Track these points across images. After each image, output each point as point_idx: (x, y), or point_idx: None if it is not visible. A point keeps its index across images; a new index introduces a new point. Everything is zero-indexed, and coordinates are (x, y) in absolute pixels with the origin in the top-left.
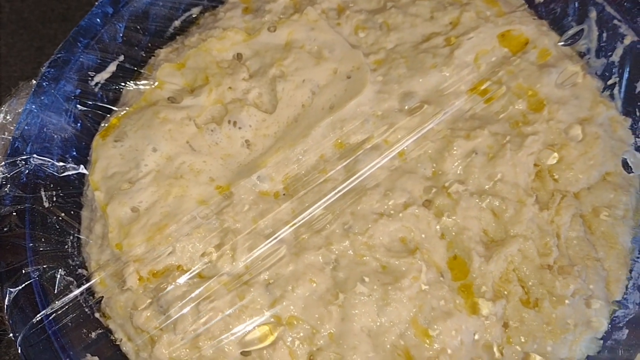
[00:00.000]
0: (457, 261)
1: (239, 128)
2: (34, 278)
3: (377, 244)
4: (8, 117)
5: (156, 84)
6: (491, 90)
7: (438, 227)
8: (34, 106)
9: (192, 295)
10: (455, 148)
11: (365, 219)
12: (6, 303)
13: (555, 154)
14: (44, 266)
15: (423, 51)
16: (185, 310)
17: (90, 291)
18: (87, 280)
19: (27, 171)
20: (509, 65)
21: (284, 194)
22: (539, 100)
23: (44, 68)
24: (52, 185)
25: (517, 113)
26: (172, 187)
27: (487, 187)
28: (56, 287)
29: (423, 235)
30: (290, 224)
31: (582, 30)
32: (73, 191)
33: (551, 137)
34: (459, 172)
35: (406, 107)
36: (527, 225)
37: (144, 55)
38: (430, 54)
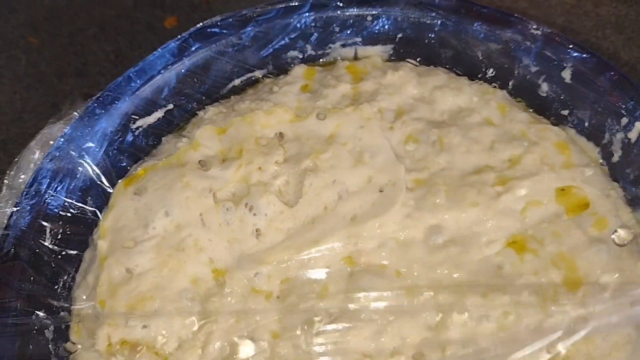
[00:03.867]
0: None
1: (254, 214)
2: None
3: None
4: (39, 145)
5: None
6: (529, 249)
7: None
8: (65, 139)
9: None
10: (468, 306)
11: (346, 356)
12: None
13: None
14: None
15: (469, 184)
16: None
17: (65, 337)
18: (67, 326)
19: (40, 204)
20: (558, 227)
21: (277, 297)
22: (576, 279)
23: (90, 102)
24: (60, 222)
25: (549, 285)
26: (171, 258)
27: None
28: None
29: None
30: (272, 332)
31: None
32: (84, 229)
33: (577, 325)
34: (463, 335)
35: (431, 242)
36: None
37: (195, 106)
38: (476, 189)
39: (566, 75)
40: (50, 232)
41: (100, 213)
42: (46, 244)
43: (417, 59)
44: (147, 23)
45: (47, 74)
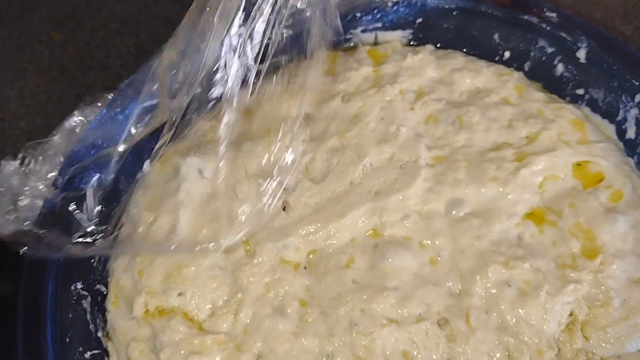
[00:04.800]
0: None
1: (284, 189)
2: (50, 284)
3: (377, 351)
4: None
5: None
6: (548, 221)
7: (446, 351)
8: (97, 124)
9: (186, 345)
10: (490, 273)
11: (373, 321)
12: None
13: (593, 311)
14: (61, 276)
15: (488, 160)
16: (174, 358)
17: (101, 308)
18: (103, 297)
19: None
20: (575, 199)
21: (304, 267)
22: (594, 247)
23: (122, 84)
24: (100, 198)
25: (567, 254)
26: (205, 227)
27: (509, 324)
28: (69, 300)
29: (427, 356)
30: (300, 301)
31: None
32: (117, 206)
33: (595, 291)
34: (485, 299)
35: (452, 214)
36: None
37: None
38: (495, 165)
39: (581, 55)
40: (86, 207)
41: (131, 190)
42: (84, 217)
43: (437, 44)
44: (167, 18)
45: (70, 67)
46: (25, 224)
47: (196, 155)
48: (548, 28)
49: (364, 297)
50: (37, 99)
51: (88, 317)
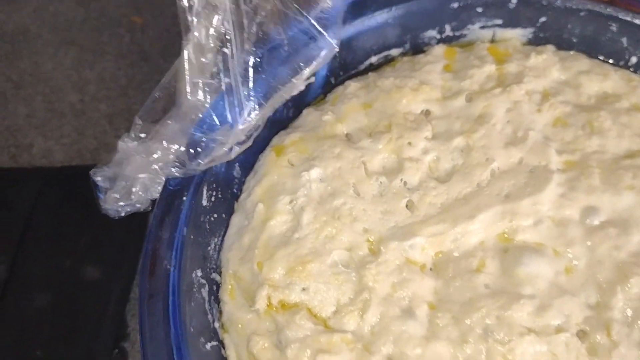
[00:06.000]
0: None
1: (408, 188)
2: (172, 271)
3: None
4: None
5: (339, 117)
6: None
7: None
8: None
9: (313, 342)
10: (631, 285)
11: (511, 329)
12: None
13: None
14: (183, 262)
15: (623, 168)
16: (301, 355)
17: (216, 299)
18: (217, 287)
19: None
20: None
21: (430, 269)
22: None
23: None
24: (214, 185)
25: None
26: (327, 225)
27: None
28: (191, 287)
29: None
30: (428, 303)
31: None
32: (229, 195)
33: None
34: (627, 312)
35: (587, 222)
36: None
37: (333, 82)
38: (631, 173)
39: None
40: (206, 193)
41: (244, 179)
42: (204, 204)
43: (558, 45)
44: None
45: (151, 53)
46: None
47: (318, 166)
48: None
49: (499, 303)
50: (117, 82)
51: (206, 306)
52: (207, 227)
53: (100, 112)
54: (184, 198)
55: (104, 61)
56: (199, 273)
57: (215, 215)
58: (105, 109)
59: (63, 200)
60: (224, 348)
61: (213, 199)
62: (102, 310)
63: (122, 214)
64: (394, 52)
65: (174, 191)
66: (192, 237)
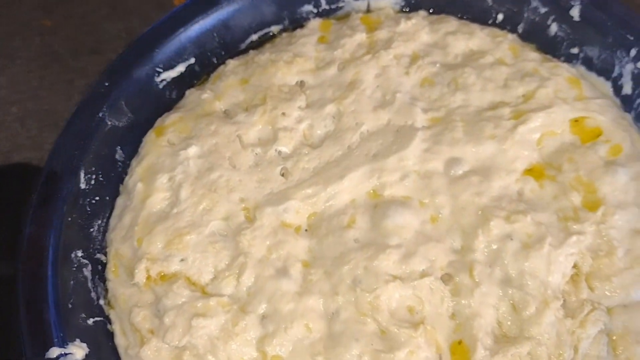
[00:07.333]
0: (461, 347)
1: (282, 157)
2: (50, 252)
3: (382, 307)
4: None
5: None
6: (547, 176)
7: (451, 305)
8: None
9: (189, 308)
10: (491, 228)
11: (377, 278)
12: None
13: (597, 262)
14: (61, 243)
15: (485, 119)
16: (178, 321)
17: (102, 278)
18: (103, 266)
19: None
20: (574, 154)
21: (305, 230)
22: (595, 199)
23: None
24: (93, 169)
25: (569, 207)
26: (204, 198)
27: (513, 277)
28: (70, 267)
29: (432, 310)
30: (302, 262)
31: None
32: (113, 178)
33: (598, 241)
34: (488, 253)
35: (451, 173)
36: (545, 329)
37: (215, 62)
38: (492, 123)
39: (574, 13)
40: (84, 177)
41: (129, 162)
42: (82, 187)
43: (429, 10)
44: (157, 2)
45: (61, 53)
46: None
47: (195, 144)
48: None
49: (367, 255)
50: (28, 85)
51: (89, 285)
52: (88, 209)
53: (12, 115)
54: (62, 181)
55: (15, 65)
56: (80, 253)
57: (97, 198)
58: (16, 111)
59: None
60: (110, 323)
61: (93, 182)
62: None
63: None
64: (274, 29)
65: (52, 174)
66: (69, 219)
